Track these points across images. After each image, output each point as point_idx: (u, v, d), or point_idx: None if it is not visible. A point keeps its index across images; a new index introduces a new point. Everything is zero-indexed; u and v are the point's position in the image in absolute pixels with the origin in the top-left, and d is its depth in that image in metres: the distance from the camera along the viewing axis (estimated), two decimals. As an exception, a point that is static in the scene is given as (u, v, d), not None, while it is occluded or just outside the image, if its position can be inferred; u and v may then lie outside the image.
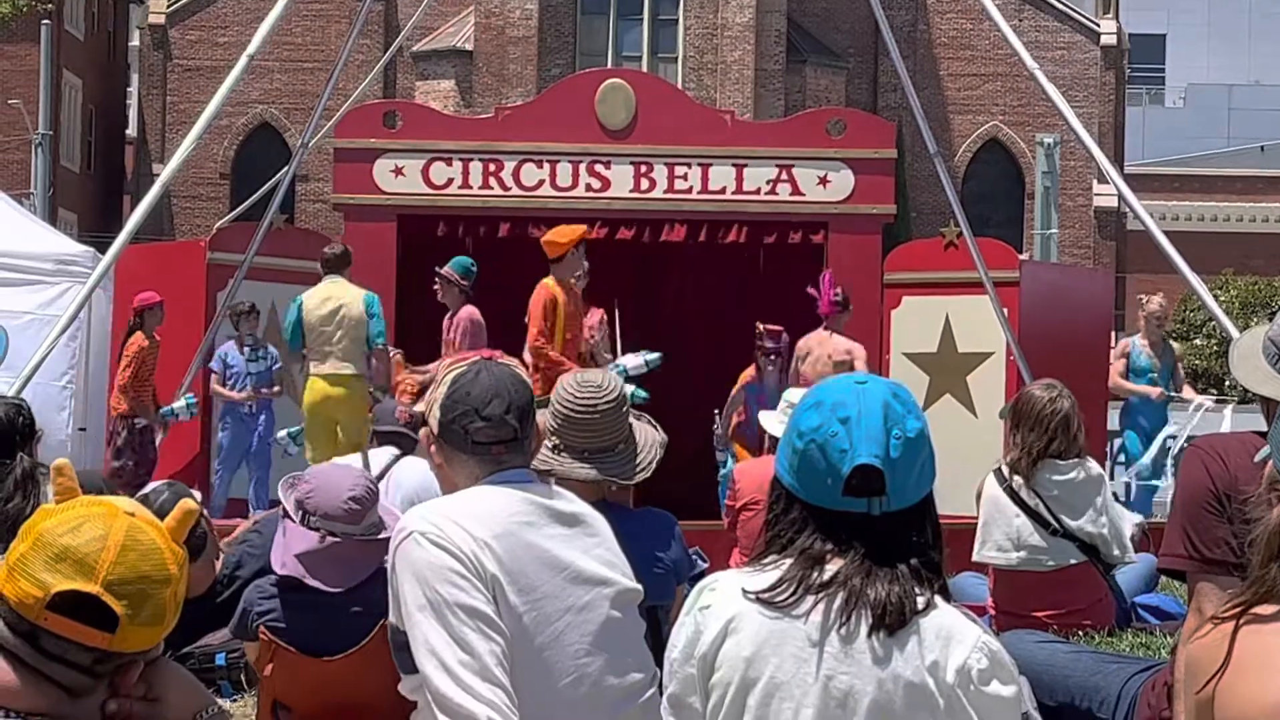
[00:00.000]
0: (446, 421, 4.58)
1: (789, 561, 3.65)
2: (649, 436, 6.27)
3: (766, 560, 3.69)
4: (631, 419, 6.26)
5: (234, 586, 8.27)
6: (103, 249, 17.47)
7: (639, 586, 4.65)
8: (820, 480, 3.65)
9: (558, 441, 6.02)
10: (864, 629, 3.55)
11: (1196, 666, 3.37)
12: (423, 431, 4.74)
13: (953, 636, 3.58)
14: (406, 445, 9.60)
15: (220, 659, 8.00)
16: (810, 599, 3.59)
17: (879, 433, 3.62)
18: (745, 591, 3.64)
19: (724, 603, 3.67)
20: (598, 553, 4.55)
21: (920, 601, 3.58)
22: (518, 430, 4.58)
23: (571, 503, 4.63)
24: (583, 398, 6.01)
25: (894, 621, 3.55)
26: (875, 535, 3.63)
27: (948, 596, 3.67)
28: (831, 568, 3.61)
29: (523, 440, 4.61)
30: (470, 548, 4.32)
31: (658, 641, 5.80)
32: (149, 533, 3.12)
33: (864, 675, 3.54)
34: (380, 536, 7.04)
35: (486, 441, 4.55)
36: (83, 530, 3.06)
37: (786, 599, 3.60)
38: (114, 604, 3.04)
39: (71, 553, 3.04)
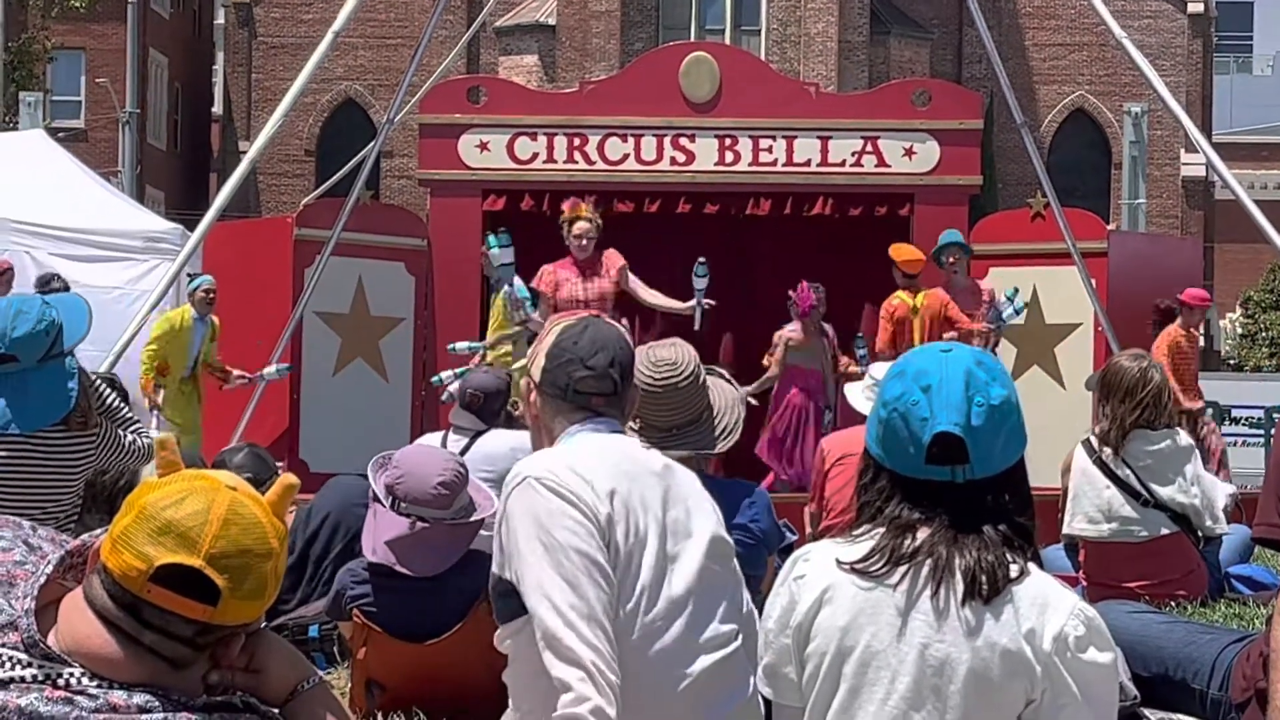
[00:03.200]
0: (550, 369, 4.62)
1: (881, 531, 3.66)
2: (728, 396, 6.18)
3: (859, 531, 3.71)
4: (708, 378, 6.18)
5: (306, 537, 8.36)
6: (190, 226, 17.59)
7: (730, 539, 4.67)
8: (903, 449, 3.66)
9: (641, 423, 5.91)
10: (957, 597, 3.56)
11: (1294, 636, 3.36)
12: (524, 380, 4.77)
13: (1049, 604, 3.58)
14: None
15: (314, 631, 8.06)
16: (901, 568, 3.60)
17: (960, 400, 3.63)
18: (839, 562, 3.65)
19: (818, 573, 3.69)
20: (690, 502, 4.58)
21: (1014, 570, 3.58)
22: (618, 385, 4.62)
23: (660, 456, 4.67)
24: (660, 378, 5.94)
25: (985, 589, 3.55)
26: (961, 503, 3.63)
27: (1040, 565, 3.67)
28: (920, 536, 3.62)
29: (620, 396, 4.65)
30: (589, 495, 4.35)
31: (750, 612, 5.81)
32: (250, 507, 3.14)
33: (960, 643, 3.55)
34: (470, 520, 7.07)
35: (588, 392, 4.59)
36: (186, 504, 3.09)
37: (879, 569, 3.61)
38: (216, 577, 3.06)
39: (174, 526, 3.06)
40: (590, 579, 4.26)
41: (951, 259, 16.08)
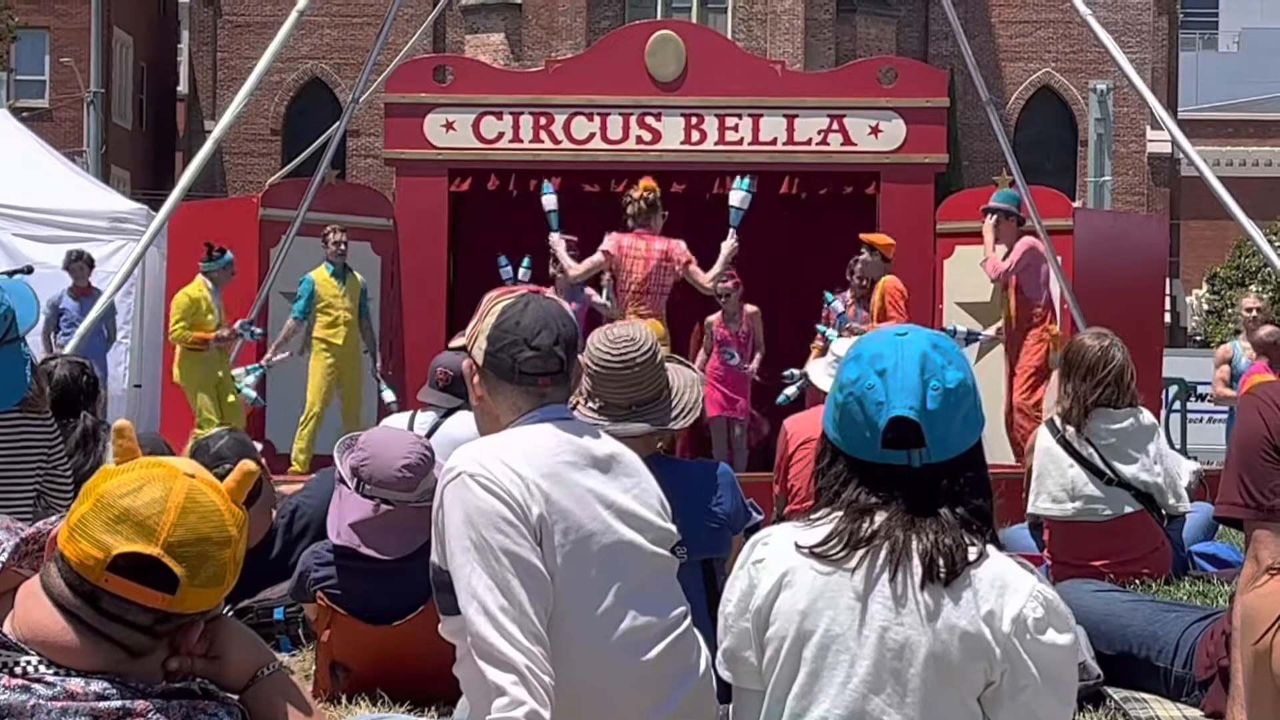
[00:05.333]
0: (494, 351, 4.58)
1: (839, 515, 3.66)
2: (685, 376, 6.15)
3: (817, 515, 3.70)
4: (666, 361, 6.14)
5: (289, 538, 8.32)
6: (155, 206, 17.54)
7: (673, 527, 4.67)
8: (860, 433, 3.66)
9: (601, 403, 5.91)
10: (915, 581, 3.56)
11: (1254, 616, 3.37)
12: (465, 362, 4.71)
13: (1008, 586, 3.58)
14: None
15: (279, 614, 8.05)
16: (859, 552, 3.60)
17: (915, 384, 3.62)
18: (798, 546, 3.65)
19: (777, 557, 3.68)
20: (635, 492, 4.57)
21: (972, 552, 3.58)
22: (563, 363, 4.59)
23: (608, 443, 4.65)
24: (619, 355, 5.90)
25: (943, 572, 3.55)
26: (917, 487, 3.63)
27: (999, 546, 3.67)
28: (878, 520, 3.62)
29: (567, 374, 4.62)
30: (519, 491, 4.33)
31: (713, 594, 5.81)
32: (209, 494, 3.13)
33: (919, 627, 3.55)
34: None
35: (534, 373, 4.56)
36: (143, 492, 3.08)
37: (837, 553, 3.61)
38: (174, 566, 3.06)
39: (132, 515, 3.05)
40: (520, 580, 4.24)
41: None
